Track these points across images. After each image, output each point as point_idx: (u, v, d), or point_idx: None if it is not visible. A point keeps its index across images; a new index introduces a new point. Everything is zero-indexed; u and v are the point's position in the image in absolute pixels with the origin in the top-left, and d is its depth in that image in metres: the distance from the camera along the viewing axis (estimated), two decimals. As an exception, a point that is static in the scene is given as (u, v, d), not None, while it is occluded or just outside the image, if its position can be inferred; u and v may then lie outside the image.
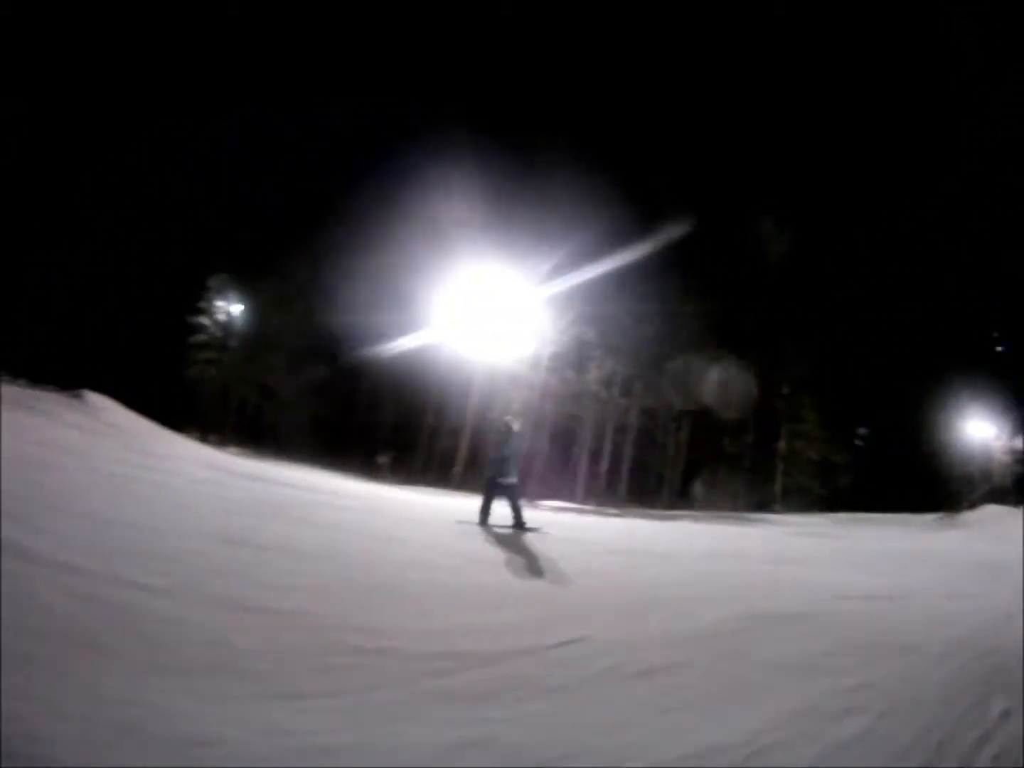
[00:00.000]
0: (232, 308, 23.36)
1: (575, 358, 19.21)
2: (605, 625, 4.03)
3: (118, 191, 23.41)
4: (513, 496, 8.45)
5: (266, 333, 22.73)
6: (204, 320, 23.13)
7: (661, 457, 20.73)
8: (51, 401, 11.53)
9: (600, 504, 19.28)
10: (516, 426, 8.91)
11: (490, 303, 19.16)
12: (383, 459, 21.02)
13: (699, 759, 2.46)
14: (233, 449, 19.01)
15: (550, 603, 4.53)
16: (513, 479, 8.46)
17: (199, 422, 21.39)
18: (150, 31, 23.96)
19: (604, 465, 19.97)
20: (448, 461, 19.89)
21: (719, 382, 19.55)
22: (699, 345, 19.29)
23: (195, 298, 23.18)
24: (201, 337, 23.01)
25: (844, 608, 5.10)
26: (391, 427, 21.90)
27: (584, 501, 19.95)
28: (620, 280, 18.49)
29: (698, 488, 22.06)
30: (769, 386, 20.64)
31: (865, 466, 23.09)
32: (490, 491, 8.50)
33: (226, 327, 23.40)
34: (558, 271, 18.60)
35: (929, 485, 21.07)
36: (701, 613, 4.51)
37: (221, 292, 23.15)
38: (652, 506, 20.09)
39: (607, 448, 19.98)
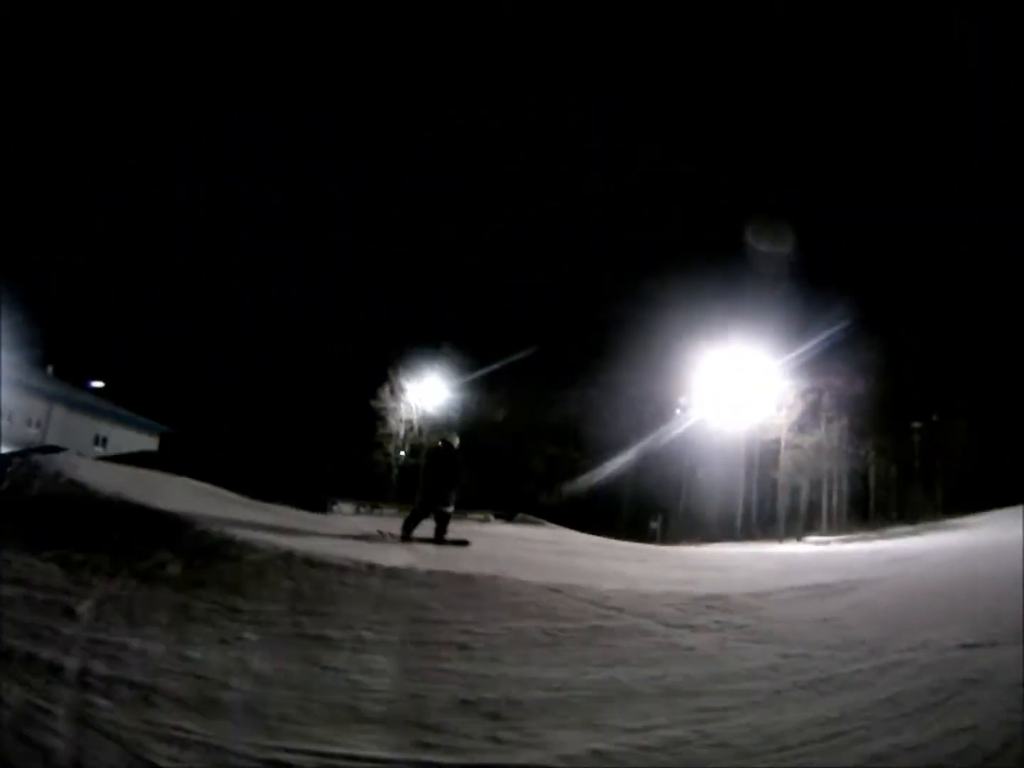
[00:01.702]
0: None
1: (811, 418, 24.05)
2: None
3: (118, 191, 23.98)
4: (444, 521, 7.87)
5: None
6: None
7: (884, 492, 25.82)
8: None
9: (849, 532, 24.16)
10: (455, 443, 8.20)
11: (738, 377, 23.75)
12: (655, 524, 25.19)
13: None
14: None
15: None
16: (450, 508, 7.87)
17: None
18: (150, 32, 24.90)
19: (841, 503, 24.89)
20: (727, 519, 24.40)
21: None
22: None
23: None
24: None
25: None
26: (656, 494, 26.12)
27: (828, 533, 24.78)
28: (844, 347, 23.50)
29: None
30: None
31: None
32: (422, 514, 7.98)
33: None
34: (793, 344, 23.35)
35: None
36: None
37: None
38: (879, 528, 25.22)
39: (840, 488, 24.89)
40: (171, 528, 6.04)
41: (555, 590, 4.78)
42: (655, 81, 27.44)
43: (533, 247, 28.62)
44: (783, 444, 23.62)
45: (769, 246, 23.92)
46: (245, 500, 10.69)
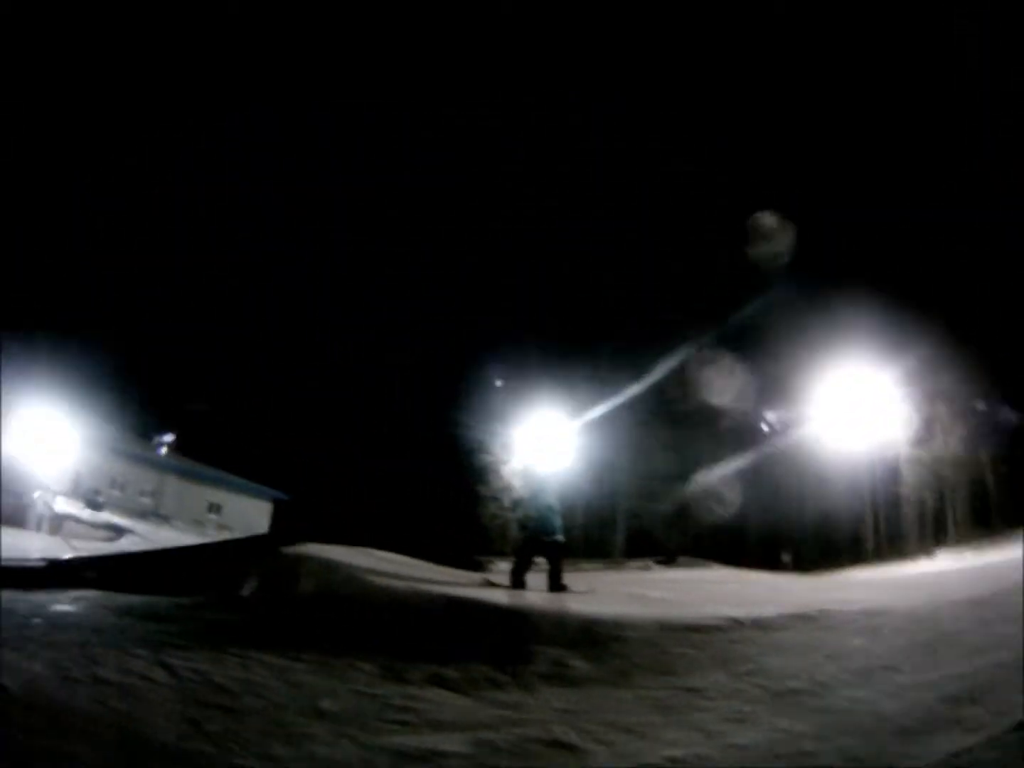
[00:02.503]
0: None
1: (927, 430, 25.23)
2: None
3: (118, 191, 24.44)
4: (556, 556, 7.54)
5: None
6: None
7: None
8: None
9: (977, 542, 25.03)
10: (546, 474, 8.04)
11: (851, 397, 24.76)
12: (786, 557, 26.39)
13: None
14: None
15: None
16: (559, 536, 7.65)
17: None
18: (150, 32, 24.77)
19: (965, 513, 25.86)
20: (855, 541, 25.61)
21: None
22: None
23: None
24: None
25: None
26: (781, 523, 27.44)
27: (957, 546, 25.65)
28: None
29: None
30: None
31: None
32: (530, 550, 7.66)
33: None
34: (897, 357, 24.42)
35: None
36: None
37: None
38: (1006, 535, 25.95)
39: (962, 499, 25.90)
40: (514, 617, 5.99)
41: (876, 614, 6.55)
42: (655, 81, 28.55)
43: (535, 247, 29.53)
44: (902, 459, 24.87)
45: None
46: (432, 566, 10.29)
